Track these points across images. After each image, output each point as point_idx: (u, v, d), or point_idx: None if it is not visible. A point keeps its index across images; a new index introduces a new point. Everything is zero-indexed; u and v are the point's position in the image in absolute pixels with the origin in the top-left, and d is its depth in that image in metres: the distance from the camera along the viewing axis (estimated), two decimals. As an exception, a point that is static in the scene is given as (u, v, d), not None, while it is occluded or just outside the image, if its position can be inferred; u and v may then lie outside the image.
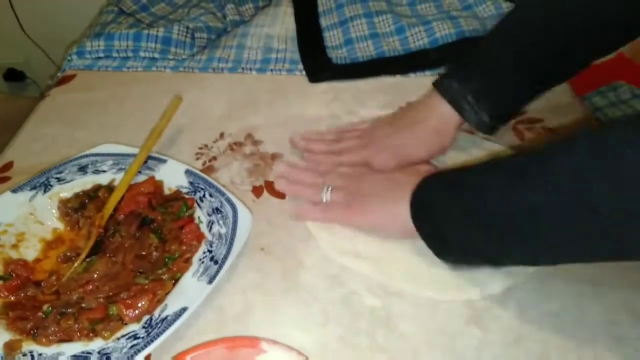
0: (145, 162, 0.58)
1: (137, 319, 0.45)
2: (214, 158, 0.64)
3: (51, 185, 0.56)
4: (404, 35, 0.80)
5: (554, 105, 0.62)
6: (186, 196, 0.55)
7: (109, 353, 0.43)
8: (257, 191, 0.59)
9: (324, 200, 0.54)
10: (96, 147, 0.60)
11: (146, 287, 0.47)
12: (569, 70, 0.55)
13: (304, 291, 0.49)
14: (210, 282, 0.47)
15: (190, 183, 0.56)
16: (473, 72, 0.55)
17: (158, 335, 0.43)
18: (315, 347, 0.45)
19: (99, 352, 0.43)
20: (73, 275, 0.50)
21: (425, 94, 0.60)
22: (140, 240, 0.51)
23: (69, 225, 0.55)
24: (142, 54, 0.80)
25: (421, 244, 0.49)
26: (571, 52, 0.53)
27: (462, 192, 0.45)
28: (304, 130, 0.65)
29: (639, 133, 0.34)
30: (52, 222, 0.55)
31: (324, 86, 0.74)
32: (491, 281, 0.48)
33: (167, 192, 0.57)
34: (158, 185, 0.57)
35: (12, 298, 0.48)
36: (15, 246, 0.52)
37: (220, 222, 0.52)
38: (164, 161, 0.59)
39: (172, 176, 0.57)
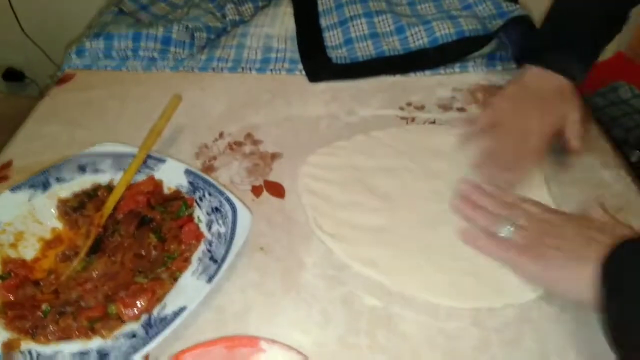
0: (145, 161, 0.58)
1: (136, 317, 0.45)
2: (214, 157, 0.63)
3: (50, 185, 0.56)
4: (403, 35, 0.80)
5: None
6: (185, 195, 0.55)
7: (107, 352, 0.43)
8: (256, 190, 0.59)
9: (502, 235, 0.49)
10: (95, 147, 0.60)
11: (145, 286, 0.47)
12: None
13: (304, 291, 0.49)
14: (209, 281, 0.47)
15: (190, 182, 0.56)
16: (559, 36, 0.62)
17: (157, 334, 0.43)
18: (315, 347, 0.44)
19: (97, 351, 0.43)
20: (72, 274, 0.49)
21: (520, 75, 0.63)
22: (140, 239, 0.51)
23: (68, 225, 0.55)
24: (141, 53, 0.80)
25: (436, 253, 0.49)
26: None
27: None
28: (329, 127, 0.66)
29: None
30: (51, 221, 0.55)
31: (323, 86, 0.74)
32: (514, 290, 0.48)
33: (166, 191, 0.56)
34: (157, 184, 0.56)
35: (11, 297, 0.48)
36: (14, 245, 0.52)
37: (220, 221, 0.52)
38: (164, 160, 0.58)
39: (172, 175, 0.57)
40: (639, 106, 0.72)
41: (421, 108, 0.69)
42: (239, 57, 0.80)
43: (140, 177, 0.57)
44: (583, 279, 0.43)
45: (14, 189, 0.55)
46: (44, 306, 0.47)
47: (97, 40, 0.80)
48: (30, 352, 0.44)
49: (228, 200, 0.53)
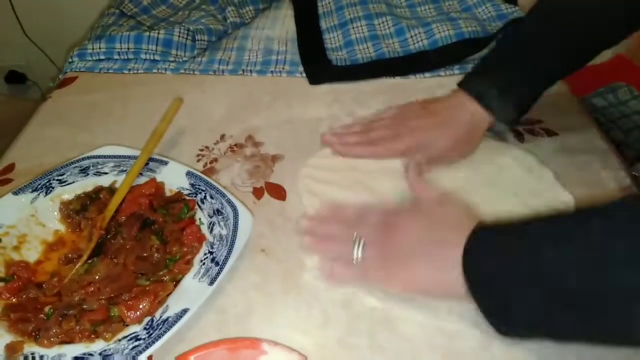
0: (147, 163, 0.58)
1: (139, 320, 0.45)
2: (215, 160, 0.64)
3: (53, 187, 0.56)
4: (403, 37, 0.81)
5: (554, 107, 0.62)
6: (187, 198, 0.55)
7: (110, 354, 0.43)
8: (257, 193, 0.59)
9: (357, 257, 0.48)
10: (97, 149, 0.60)
11: (147, 288, 0.47)
12: (586, 56, 0.58)
13: (305, 292, 0.49)
14: (211, 283, 0.47)
15: (192, 185, 0.56)
16: (496, 68, 0.59)
17: (159, 336, 0.43)
18: (316, 348, 0.45)
19: (100, 354, 0.43)
20: (74, 277, 0.50)
21: (449, 94, 0.61)
22: (142, 241, 0.52)
23: (71, 227, 0.55)
24: (143, 56, 0.80)
25: None
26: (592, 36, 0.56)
27: (526, 260, 0.39)
28: (329, 127, 0.66)
29: None
30: (53, 224, 0.55)
31: (324, 88, 0.74)
32: None
33: (168, 193, 0.57)
34: (159, 186, 0.57)
35: (14, 300, 0.48)
36: (16, 248, 0.52)
37: (221, 223, 0.52)
38: (165, 163, 0.59)
39: (173, 178, 0.57)
40: (638, 107, 0.72)
41: (421, 110, 0.69)
42: (240, 59, 0.81)
43: (142, 180, 0.57)
44: (450, 281, 0.43)
45: (17, 191, 0.55)
46: (46, 309, 0.47)
47: (99, 42, 0.81)
48: (33, 355, 0.44)
49: (229, 202, 0.53)
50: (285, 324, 0.47)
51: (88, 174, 0.58)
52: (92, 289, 0.48)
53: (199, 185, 0.56)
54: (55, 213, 0.56)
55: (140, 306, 0.46)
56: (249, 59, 0.81)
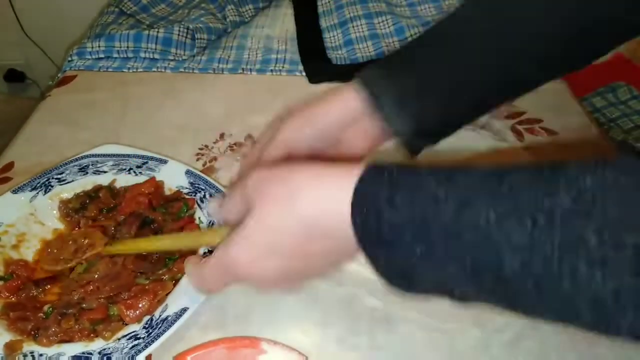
0: (146, 162, 0.58)
1: (138, 319, 0.45)
2: (215, 158, 0.64)
3: (52, 186, 0.56)
4: (403, 36, 0.81)
5: (553, 106, 0.62)
6: (187, 197, 0.55)
7: (109, 353, 0.43)
8: (257, 192, 0.59)
9: None
10: (96, 148, 0.60)
11: (147, 287, 0.47)
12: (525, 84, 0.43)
13: (304, 292, 0.49)
14: None
15: (191, 183, 0.56)
16: (407, 67, 0.42)
17: (159, 335, 0.43)
18: (315, 348, 0.45)
19: (99, 353, 0.43)
20: (74, 276, 0.50)
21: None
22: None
23: (70, 226, 0.55)
24: (142, 54, 0.80)
25: None
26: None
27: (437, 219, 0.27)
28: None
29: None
30: (52, 222, 0.55)
31: (324, 87, 0.74)
32: None
33: (167, 192, 0.57)
34: (158, 185, 0.57)
35: (13, 298, 0.48)
36: (15, 246, 0.52)
37: (221, 222, 0.52)
38: (165, 162, 0.59)
39: (173, 177, 0.57)
40: (638, 107, 0.72)
41: (421, 109, 0.69)
42: (240, 58, 0.80)
43: (142, 179, 0.57)
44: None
45: (16, 190, 0.55)
46: (46, 308, 0.47)
47: (98, 41, 0.80)
48: (32, 354, 0.44)
49: None
50: (284, 323, 0.47)
51: (87, 173, 0.58)
52: (92, 287, 0.48)
53: (199, 184, 0.56)
54: (55, 212, 0.56)
55: (140, 305, 0.45)
56: (249, 57, 0.80)
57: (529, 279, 0.25)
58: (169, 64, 0.79)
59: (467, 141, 0.63)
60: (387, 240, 0.29)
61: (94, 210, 0.55)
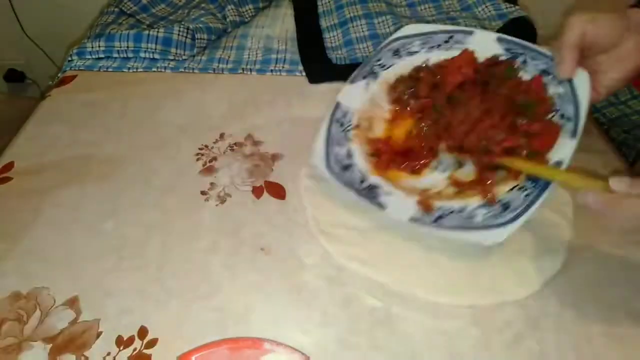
0: (452, 36, 0.60)
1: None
2: (214, 158, 0.64)
3: (376, 73, 0.61)
4: (403, 36, 0.81)
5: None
6: (506, 60, 0.56)
7: (507, 202, 0.47)
8: (257, 192, 0.59)
9: None
10: (400, 30, 0.62)
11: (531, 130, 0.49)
12: None
13: (305, 291, 0.49)
14: (572, 136, 0.48)
15: (506, 49, 0.56)
16: None
17: (543, 189, 0.46)
18: (316, 348, 0.45)
19: (500, 202, 0.47)
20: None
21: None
22: (491, 100, 0.53)
23: (400, 106, 0.59)
24: (142, 54, 0.80)
25: (434, 252, 0.48)
26: None
27: None
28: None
29: None
30: (386, 104, 0.60)
31: (324, 86, 0.74)
32: (510, 288, 0.48)
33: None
34: (472, 57, 0.57)
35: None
36: (369, 128, 0.59)
37: (554, 82, 0.52)
38: (471, 33, 0.59)
39: (484, 46, 0.57)
40: (638, 107, 0.72)
41: (421, 109, 0.69)
42: (240, 58, 0.80)
43: (453, 53, 0.58)
44: None
45: (352, 80, 0.60)
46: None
47: (98, 41, 0.80)
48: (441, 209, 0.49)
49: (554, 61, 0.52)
50: (285, 323, 0.47)
51: (401, 55, 0.61)
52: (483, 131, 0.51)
53: (515, 49, 0.56)
54: (385, 95, 0.60)
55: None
56: (249, 57, 0.80)
57: None
58: (169, 64, 0.79)
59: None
60: None
61: (423, 89, 0.58)
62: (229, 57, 0.81)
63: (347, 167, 0.55)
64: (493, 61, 0.56)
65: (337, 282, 0.50)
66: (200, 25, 0.81)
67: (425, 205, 0.50)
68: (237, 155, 0.64)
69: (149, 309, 0.48)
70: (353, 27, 0.83)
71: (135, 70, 0.79)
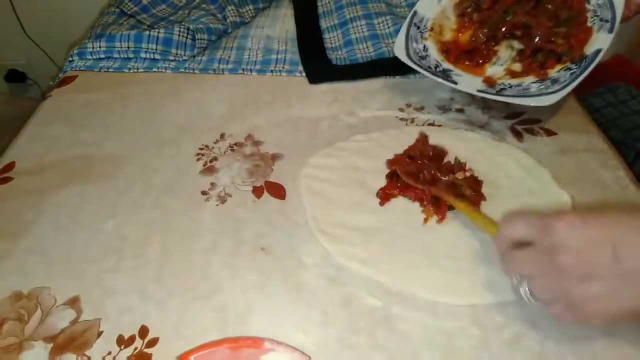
0: None
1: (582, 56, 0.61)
2: (215, 158, 0.64)
3: None
4: (403, 36, 0.81)
5: (552, 106, 0.62)
6: None
7: (556, 78, 0.60)
8: (257, 192, 0.59)
9: (523, 295, 0.42)
10: None
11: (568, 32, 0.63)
12: None
13: (304, 291, 0.49)
14: (610, 32, 0.60)
15: None
16: None
17: (586, 67, 0.58)
18: (316, 347, 0.45)
19: (549, 78, 0.61)
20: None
21: None
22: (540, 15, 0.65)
23: (466, 18, 0.71)
24: (143, 55, 0.80)
25: (434, 252, 0.48)
26: None
27: None
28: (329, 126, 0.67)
29: None
30: (452, 17, 0.73)
31: (324, 87, 0.75)
32: (510, 287, 0.48)
33: None
34: None
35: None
36: (440, 33, 0.72)
37: None
38: None
39: None
40: (637, 107, 0.72)
41: (420, 109, 0.69)
42: (240, 58, 0.81)
43: None
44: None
45: None
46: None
47: (99, 41, 0.81)
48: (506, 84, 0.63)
49: None
50: (285, 323, 0.47)
51: None
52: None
53: None
54: (452, 10, 0.72)
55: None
56: (249, 58, 0.81)
57: None
58: (169, 64, 0.80)
59: (465, 142, 0.63)
60: None
61: (486, 1, 0.68)
62: (229, 57, 0.81)
63: (423, 57, 0.69)
64: None
65: (337, 282, 0.50)
66: (201, 26, 0.81)
67: (490, 81, 0.64)
68: (238, 155, 0.64)
69: (150, 309, 0.48)
70: (353, 27, 0.83)
71: (135, 70, 0.79)
